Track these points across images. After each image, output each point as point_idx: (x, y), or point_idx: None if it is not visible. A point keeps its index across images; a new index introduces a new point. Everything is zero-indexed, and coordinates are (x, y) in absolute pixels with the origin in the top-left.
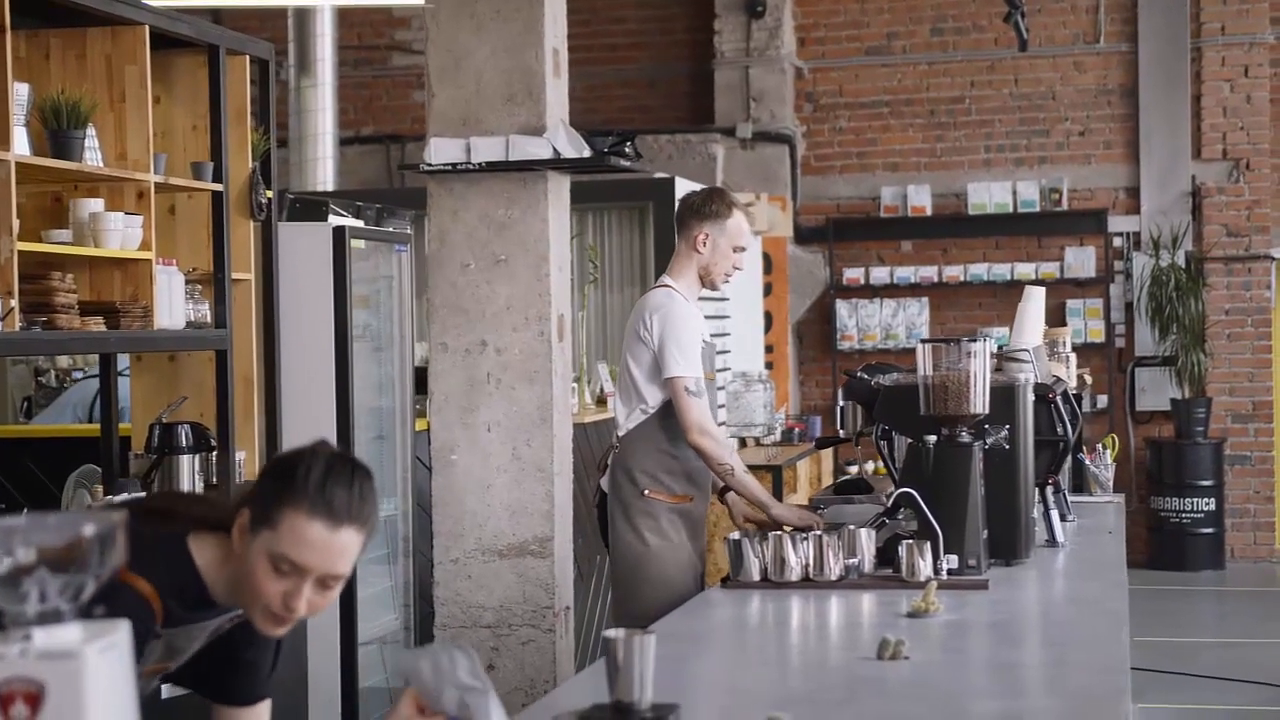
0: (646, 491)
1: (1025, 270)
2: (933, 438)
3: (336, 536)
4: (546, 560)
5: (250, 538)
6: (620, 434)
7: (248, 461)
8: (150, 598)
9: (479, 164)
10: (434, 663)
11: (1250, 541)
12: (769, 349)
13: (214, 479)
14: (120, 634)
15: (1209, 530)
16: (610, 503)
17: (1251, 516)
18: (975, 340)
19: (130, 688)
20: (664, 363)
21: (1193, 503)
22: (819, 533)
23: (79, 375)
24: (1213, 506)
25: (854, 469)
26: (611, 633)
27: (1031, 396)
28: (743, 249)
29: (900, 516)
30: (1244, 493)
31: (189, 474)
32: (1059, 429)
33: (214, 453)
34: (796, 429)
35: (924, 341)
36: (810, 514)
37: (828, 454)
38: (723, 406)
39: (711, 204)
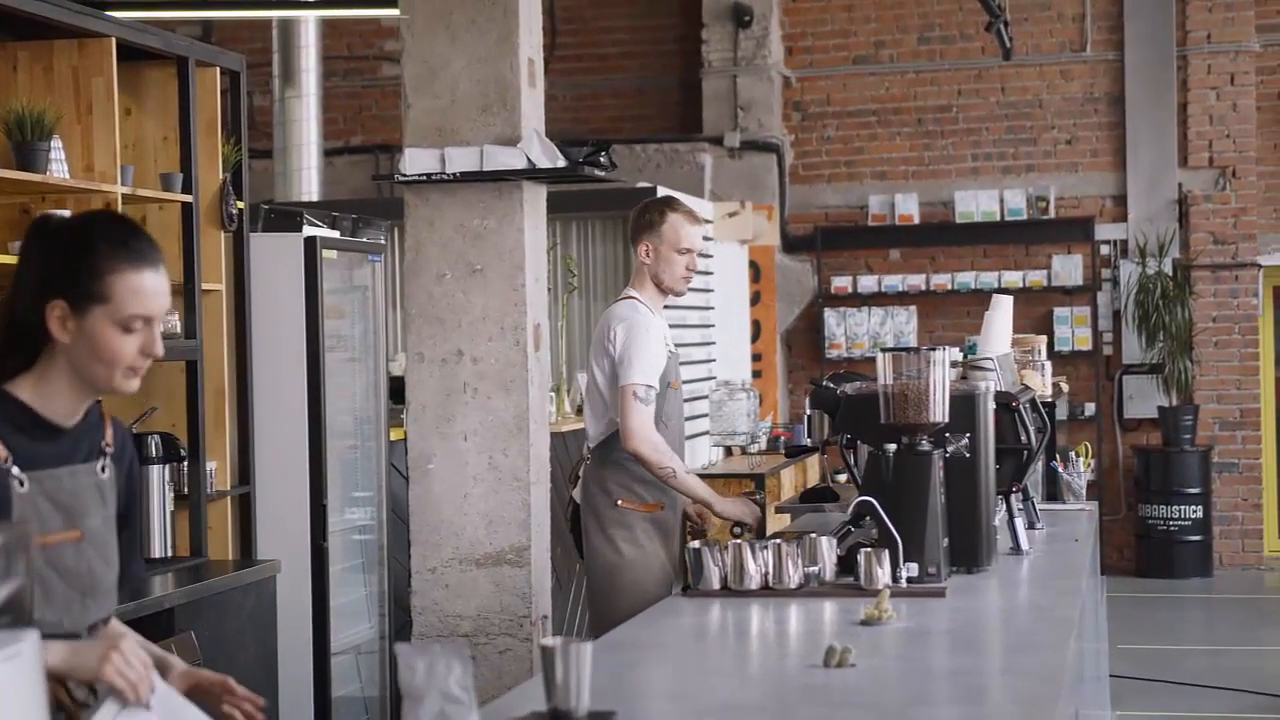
0: (620, 501)
1: (1013, 278)
2: (892, 446)
3: (159, 277)
4: (523, 569)
5: (79, 321)
6: (591, 445)
7: (219, 472)
8: None
9: (453, 174)
10: (430, 664)
11: (1238, 549)
12: (757, 357)
13: (185, 489)
14: (26, 644)
15: (1196, 538)
16: (584, 514)
17: (1239, 524)
18: (935, 349)
19: (40, 697)
20: (620, 370)
21: (1180, 510)
22: (779, 541)
23: None
24: (1200, 514)
25: (843, 478)
26: (548, 641)
27: (993, 405)
28: (688, 250)
29: (864, 525)
30: (1232, 500)
31: (159, 485)
32: (1023, 437)
33: (184, 463)
34: (783, 438)
35: (884, 350)
36: (751, 504)
37: (814, 462)
38: (704, 416)
39: (645, 214)
